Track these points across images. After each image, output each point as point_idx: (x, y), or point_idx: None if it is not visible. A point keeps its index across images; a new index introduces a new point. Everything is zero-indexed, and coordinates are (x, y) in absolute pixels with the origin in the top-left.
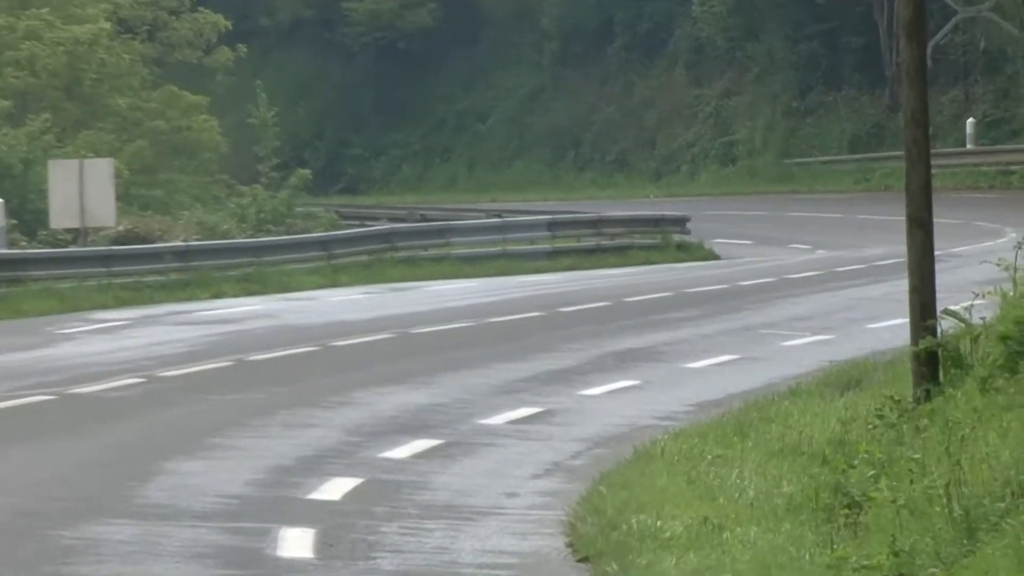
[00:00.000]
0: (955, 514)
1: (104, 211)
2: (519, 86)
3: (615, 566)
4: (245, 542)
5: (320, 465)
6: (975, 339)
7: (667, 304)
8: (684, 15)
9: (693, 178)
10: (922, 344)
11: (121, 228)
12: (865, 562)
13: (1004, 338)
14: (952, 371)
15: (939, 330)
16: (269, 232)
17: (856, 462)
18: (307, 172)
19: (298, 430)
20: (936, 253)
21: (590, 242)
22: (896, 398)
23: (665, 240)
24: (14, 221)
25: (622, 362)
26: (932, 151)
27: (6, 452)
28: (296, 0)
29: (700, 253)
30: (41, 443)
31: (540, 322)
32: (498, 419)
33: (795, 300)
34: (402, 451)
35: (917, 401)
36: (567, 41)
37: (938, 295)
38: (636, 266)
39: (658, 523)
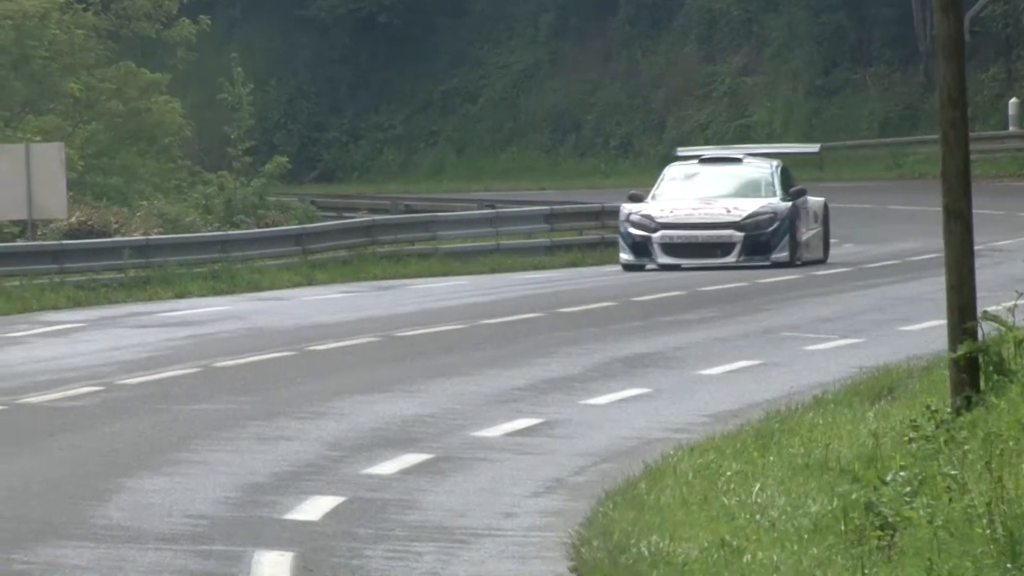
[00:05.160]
0: (997, 536)
1: (54, 201)
2: (512, 63)
3: None
4: (216, 567)
5: (297, 482)
6: (1020, 343)
7: (679, 304)
8: None
9: None
10: (961, 349)
11: (73, 220)
12: None
13: None
14: (994, 378)
15: (980, 333)
16: (238, 225)
17: (889, 479)
18: (285, 160)
19: (272, 443)
20: (976, 247)
21: (593, 235)
22: (932, 408)
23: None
24: None
25: (630, 368)
26: (971, 134)
27: None
28: None
29: None
30: None
31: (538, 324)
32: (493, 431)
33: (820, 300)
34: (387, 467)
35: (956, 412)
36: (565, 13)
37: (978, 294)
38: None
39: (671, 546)
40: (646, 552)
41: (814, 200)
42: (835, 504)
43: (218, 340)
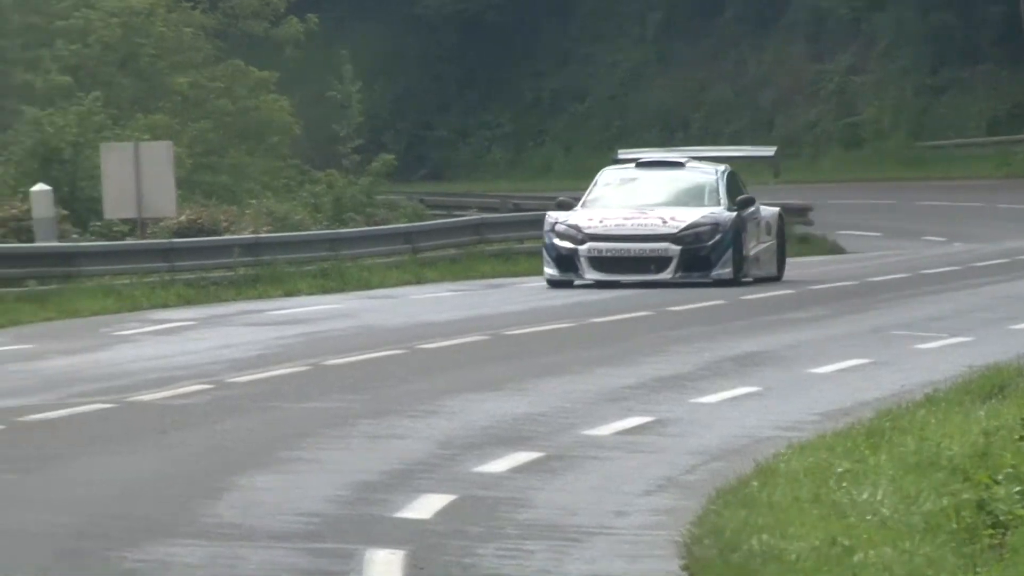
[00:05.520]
0: None
1: (163, 200)
2: (620, 61)
3: None
4: (327, 565)
5: (408, 480)
6: None
7: (789, 303)
8: None
9: (815, 163)
10: None
11: (182, 218)
12: None
13: None
14: None
15: None
16: (347, 223)
17: (1001, 477)
18: (391, 157)
19: (383, 441)
20: None
21: None
22: None
23: (787, 232)
24: (64, 211)
25: (740, 367)
26: None
27: (62, 466)
28: None
29: (824, 246)
30: (100, 456)
31: (648, 322)
32: (604, 430)
33: (930, 298)
34: (498, 465)
35: None
36: (672, 11)
37: None
38: None
39: (782, 544)
40: (757, 550)
41: (767, 210)
42: (946, 502)
43: (328, 338)
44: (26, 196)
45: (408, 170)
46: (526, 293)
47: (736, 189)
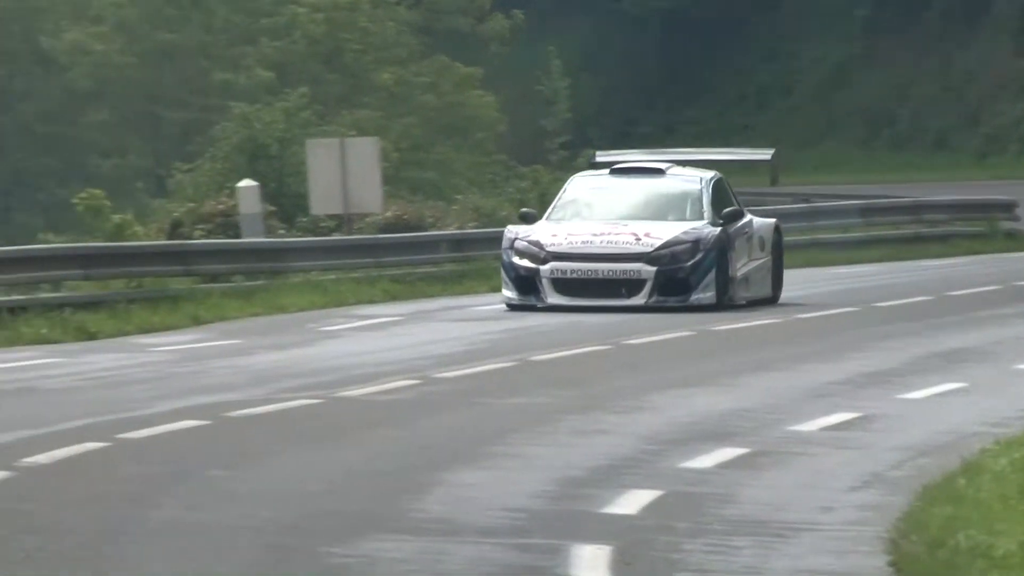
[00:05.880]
0: None
1: (370, 196)
2: (826, 57)
3: None
4: (534, 560)
5: (614, 476)
6: None
7: (996, 299)
8: None
9: (1021, 159)
10: None
11: (389, 214)
12: None
13: None
14: None
15: None
16: None
17: None
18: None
19: (588, 437)
20: None
21: (908, 230)
22: None
23: (992, 228)
24: (271, 207)
25: (947, 363)
26: None
27: (270, 461)
28: None
29: None
30: (307, 451)
31: (854, 318)
32: (810, 425)
33: None
34: (704, 460)
35: None
36: (879, 7)
37: None
38: (960, 256)
39: (989, 540)
40: (964, 546)
41: (761, 223)
42: None
43: (533, 334)
44: (233, 192)
45: None
46: None
47: (724, 199)
